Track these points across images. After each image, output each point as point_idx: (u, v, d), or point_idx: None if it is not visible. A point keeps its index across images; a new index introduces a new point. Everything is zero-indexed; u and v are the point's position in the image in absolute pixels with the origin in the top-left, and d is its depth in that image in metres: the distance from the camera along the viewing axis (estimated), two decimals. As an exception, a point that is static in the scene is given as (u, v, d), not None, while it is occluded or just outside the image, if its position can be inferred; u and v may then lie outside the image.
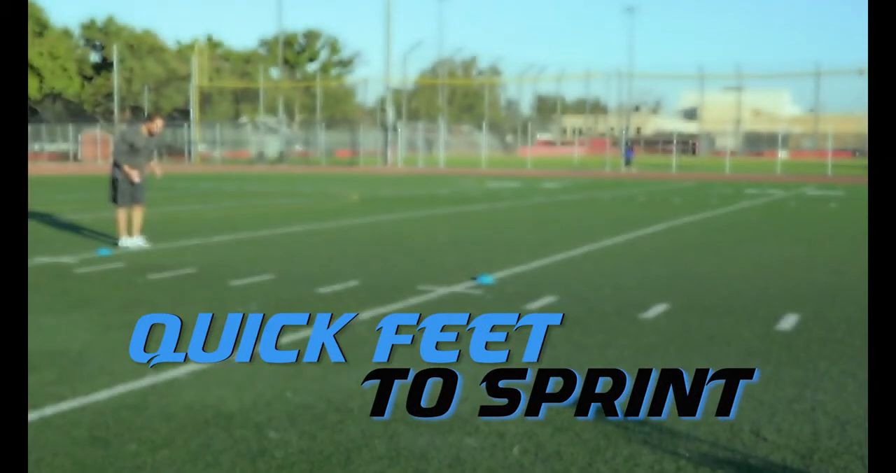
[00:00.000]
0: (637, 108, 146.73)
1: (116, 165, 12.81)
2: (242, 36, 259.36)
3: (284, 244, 13.29)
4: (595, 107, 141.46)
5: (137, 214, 12.89)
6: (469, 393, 5.41)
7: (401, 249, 12.69)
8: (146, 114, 13.49)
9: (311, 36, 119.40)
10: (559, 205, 23.83)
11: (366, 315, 7.89)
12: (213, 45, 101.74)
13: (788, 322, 7.72)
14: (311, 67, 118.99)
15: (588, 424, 4.84)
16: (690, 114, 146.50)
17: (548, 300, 8.66)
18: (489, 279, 9.79)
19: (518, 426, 4.81)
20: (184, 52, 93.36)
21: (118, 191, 12.80)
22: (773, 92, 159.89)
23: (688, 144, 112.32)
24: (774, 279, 10.22)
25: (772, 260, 11.96)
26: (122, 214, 12.77)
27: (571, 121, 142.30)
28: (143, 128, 12.89)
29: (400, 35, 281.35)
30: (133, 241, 12.66)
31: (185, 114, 79.14)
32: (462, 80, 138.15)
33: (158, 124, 12.93)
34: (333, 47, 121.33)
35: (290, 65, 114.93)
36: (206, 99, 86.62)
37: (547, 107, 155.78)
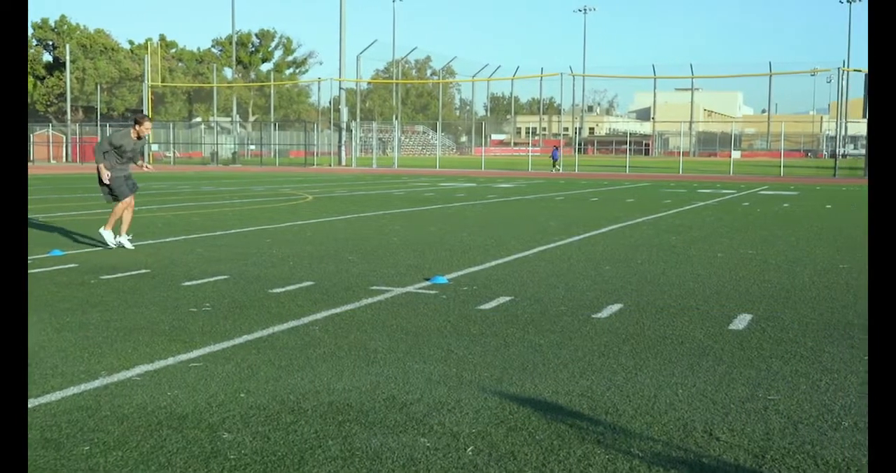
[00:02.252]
0: (591, 109, 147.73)
1: (103, 165, 12.67)
2: (196, 36, 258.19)
3: (238, 245, 13.21)
4: (549, 108, 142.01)
5: (128, 212, 12.80)
6: (423, 393, 5.41)
7: (355, 250, 12.65)
8: (133, 117, 13.18)
9: (265, 36, 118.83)
10: (513, 206, 23.88)
11: (320, 315, 7.86)
12: (166, 44, 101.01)
13: (741, 322, 7.78)
14: (265, 67, 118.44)
15: (542, 424, 4.84)
16: (644, 115, 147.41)
17: (502, 300, 8.68)
18: (443, 279, 9.80)
19: (472, 426, 4.81)
20: (137, 51, 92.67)
21: (115, 187, 12.68)
22: (726, 93, 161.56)
23: (641, 145, 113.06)
24: (728, 279, 10.31)
25: (725, 261, 12.05)
26: (122, 205, 12.68)
27: (525, 122, 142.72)
28: (132, 132, 12.72)
29: (354, 35, 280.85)
30: (122, 239, 12.60)
31: (138, 114, 78.30)
32: (416, 81, 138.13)
33: (146, 126, 12.74)
34: (287, 47, 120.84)
35: (243, 65, 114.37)
36: (159, 99, 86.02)
37: (501, 108, 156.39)
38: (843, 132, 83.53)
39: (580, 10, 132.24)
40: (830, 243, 14.58)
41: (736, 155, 73.03)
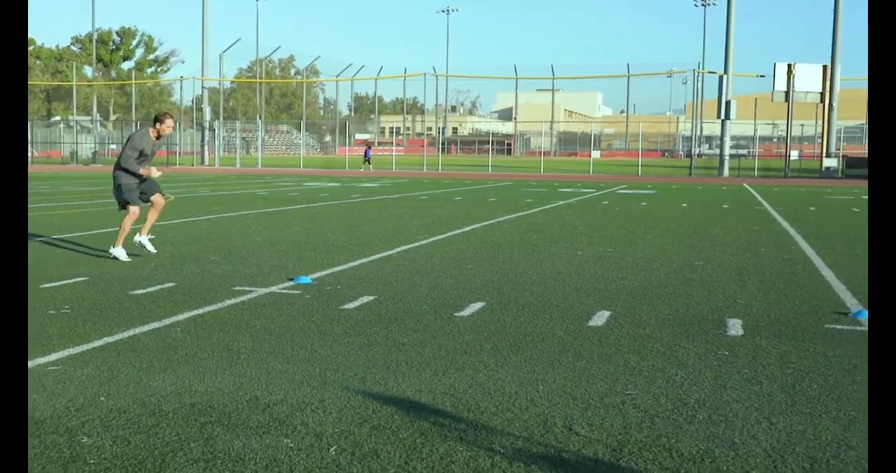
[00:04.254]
0: (454, 109, 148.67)
1: (123, 170, 11.67)
2: (54, 33, 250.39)
3: (98, 246, 12.87)
4: (413, 108, 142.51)
5: (154, 212, 12.00)
6: (286, 394, 5.37)
7: (218, 250, 12.47)
8: (154, 117, 12.19)
9: (126, 34, 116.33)
10: (377, 205, 23.89)
11: (182, 316, 7.73)
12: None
13: (600, 318, 7.94)
14: (127, 66, 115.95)
15: (405, 422, 4.86)
16: (506, 115, 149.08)
17: (365, 299, 8.67)
18: (307, 279, 9.74)
19: (335, 425, 4.79)
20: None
21: (125, 192, 11.74)
22: (586, 93, 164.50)
23: (504, 144, 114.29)
24: (587, 277, 10.50)
25: (585, 259, 12.28)
26: (134, 216, 11.73)
27: (389, 121, 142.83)
28: (152, 132, 11.79)
29: (216, 34, 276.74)
30: (142, 239, 11.90)
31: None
32: (280, 80, 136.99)
33: (169, 124, 11.80)
34: (149, 46, 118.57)
35: (104, 63, 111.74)
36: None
37: (365, 108, 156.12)
38: (698, 132, 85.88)
39: (443, 11, 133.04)
40: (686, 241, 14.98)
41: (596, 154, 74.52)
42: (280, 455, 4.36)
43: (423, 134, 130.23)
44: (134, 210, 11.71)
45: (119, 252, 11.47)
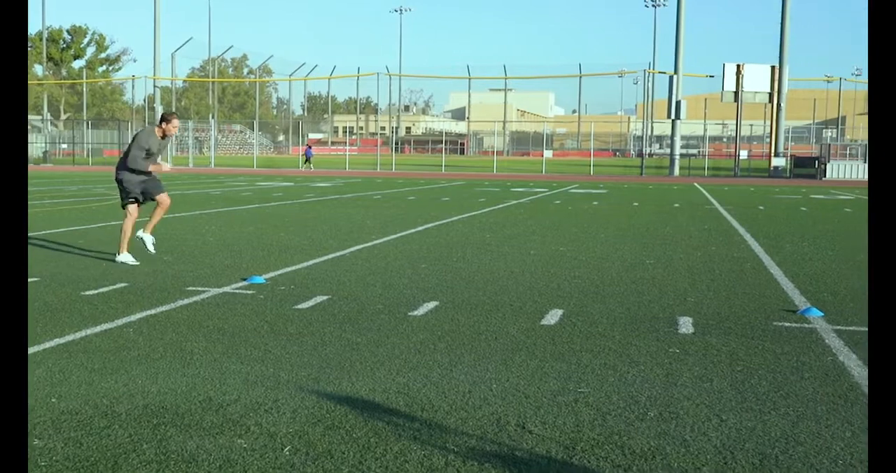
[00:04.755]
0: (407, 108, 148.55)
1: (127, 170, 11.33)
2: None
3: (50, 246, 12.73)
4: (366, 107, 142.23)
5: (160, 210, 11.58)
6: (240, 394, 5.34)
7: (171, 250, 12.36)
8: (161, 116, 11.75)
9: (77, 32, 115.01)
10: (330, 205, 23.82)
11: (135, 317, 7.67)
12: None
13: (553, 317, 7.97)
14: (77, 64, 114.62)
15: (359, 422, 4.85)
16: (459, 115, 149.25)
17: (319, 299, 8.65)
18: (260, 279, 9.70)
19: (289, 425, 4.78)
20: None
21: (127, 186, 11.41)
22: (538, 93, 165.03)
23: (457, 144, 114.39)
24: (540, 275, 10.54)
25: (538, 257, 12.32)
26: (133, 217, 11.39)
27: (343, 121, 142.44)
28: (157, 131, 11.46)
29: (169, 33, 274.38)
30: (147, 236, 11.49)
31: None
32: (232, 79, 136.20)
33: (175, 124, 11.46)
34: (100, 44, 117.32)
35: (54, 62, 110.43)
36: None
37: (318, 107, 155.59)
38: (649, 132, 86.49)
39: (396, 11, 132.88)
40: (637, 240, 15.08)
41: (548, 154, 74.77)
42: (234, 455, 4.34)
43: (376, 133, 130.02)
44: (132, 210, 11.43)
45: (126, 257, 11.14)
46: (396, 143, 79.10)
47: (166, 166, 11.65)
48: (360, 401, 5.26)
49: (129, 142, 11.68)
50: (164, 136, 11.51)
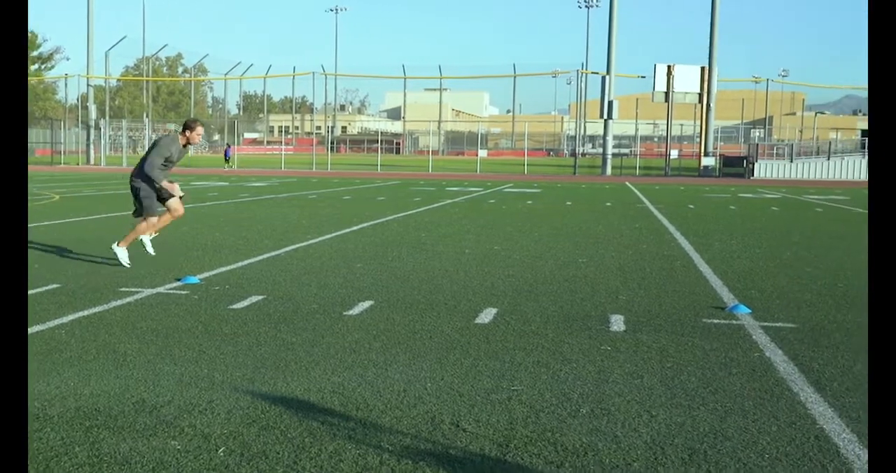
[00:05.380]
0: (343, 108, 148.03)
1: (144, 178, 10.83)
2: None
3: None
4: (302, 107, 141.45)
5: (168, 217, 11.14)
6: (173, 396, 5.29)
7: (104, 251, 12.19)
8: (184, 123, 11.28)
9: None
10: (266, 205, 23.67)
11: (67, 318, 7.56)
12: None
13: (487, 315, 8.00)
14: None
15: (294, 422, 4.83)
16: (395, 114, 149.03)
17: (254, 299, 8.59)
18: (195, 279, 9.61)
19: (224, 426, 4.74)
20: None
21: (145, 203, 10.92)
22: (473, 93, 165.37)
23: (392, 143, 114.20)
24: (475, 274, 10.57)
25: (472, 256, 12.36)
26: (152, 225, 11.04)
27: (278, 121, 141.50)
28: (181, 138, 10.86)
29: (102, 31, 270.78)
30: (145, 237, 11.09)
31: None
32: (167, 78, 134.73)
33: (199, 133, 10.88)
34: (32, 42, 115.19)
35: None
36: None
37: (254, 106, 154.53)
38: (582, 132, 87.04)
39: (332, 10, 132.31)
40: (570, 238, 15.19)
41: (483, 153, 74.99)
42: (167, 457, 4.30)
43: (312, 133, 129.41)
44: (152, 220, 11.02)
45: (121, 252, 10.82)
46: (332, 143, 78.75)
47: (178, 191, 10.97)
48: (294, 401, 5.23)
49: (149, 147, 11.08)
50: (186, 145, 10.92)
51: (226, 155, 67.55)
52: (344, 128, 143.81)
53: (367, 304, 8.44)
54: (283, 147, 78.07)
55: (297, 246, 13.27)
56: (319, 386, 5.57)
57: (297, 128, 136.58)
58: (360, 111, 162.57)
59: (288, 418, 4.90)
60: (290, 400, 5.25)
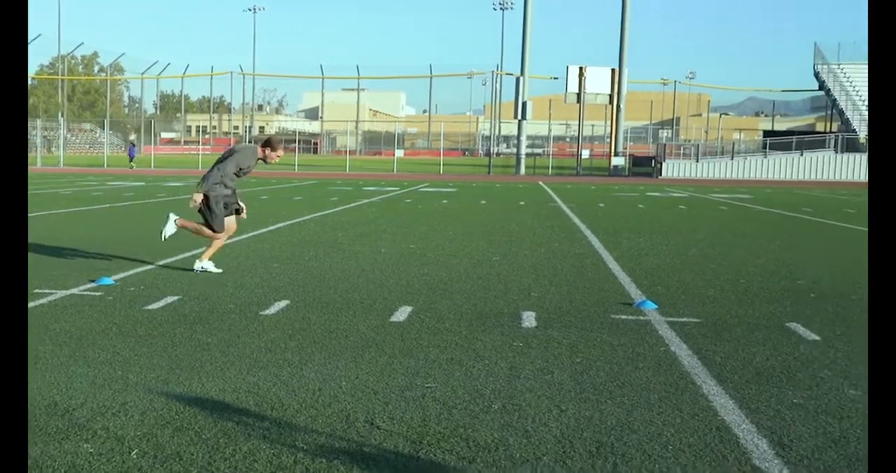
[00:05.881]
0: (261, 108, 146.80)
1: (213, 182, 10.20)
2: None
3: None
4: (219, 106, 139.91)
5: (225, 236, 10.69)
6: (87, 398, 5.19)
7: (14, 252, 11.92)
8: (267, 138, 10.55)
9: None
10: (182, 204, 23.35)
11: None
12: None
13: (402, 313, 8.00)
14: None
15: (208, 422, 4.77)
16: (313, 114, 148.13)
17: (169, 299, 8.47)
18: (109, 280, 9.44)
19: (137, 428, 4.66)
20: None
21: (215, 217, 10.37)
22: (390, 93, 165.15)
23: (310, 143, 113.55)
24: (391, 273, 10.56)
25: (388, 255, 12.34)
26: (222, 237, 10.58)
27: (196, 120, 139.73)
28: (259, 152, 10.27)
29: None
30: (206, 264, 10.48)
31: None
32: (83, 77, 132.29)
33: (280, 154, 10.44)
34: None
35: None
36: None
37: (171, 106, 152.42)
38: (496, 132, 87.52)
39: (250, 10, 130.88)
40: (484, 237, 15.26)
41: (399, 153, 74.94)
42: (80, 460, 4.21)
43: (229, 133, 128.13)
44: (215, 233, 10.50)
45: (207, 265, 10.43)
46: (250, 143, 78.14)
47: (199, 198, 10.32)
48: (209, 402, 5.17)
49: (225, 155, 10.47)
50: (260, 160, 10.40)
51: (130, 155, 67.85)
52: (262, 128, 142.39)
53: (283, 304, 8.37)
54: (201, 147, 77.06)
55: (214, 246, 13.09)
56: (234, 387, 5.51)
57: (214, 128, 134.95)
58: (277, 111, 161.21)
59: (202, 419, 4.84)
60: (204, 401, 5.18)
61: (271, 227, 16.52)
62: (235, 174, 10.32)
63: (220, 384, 5.57)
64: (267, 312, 7.97)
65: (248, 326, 7.36)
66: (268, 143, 10.35)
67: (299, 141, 79.00)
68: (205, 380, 5.65)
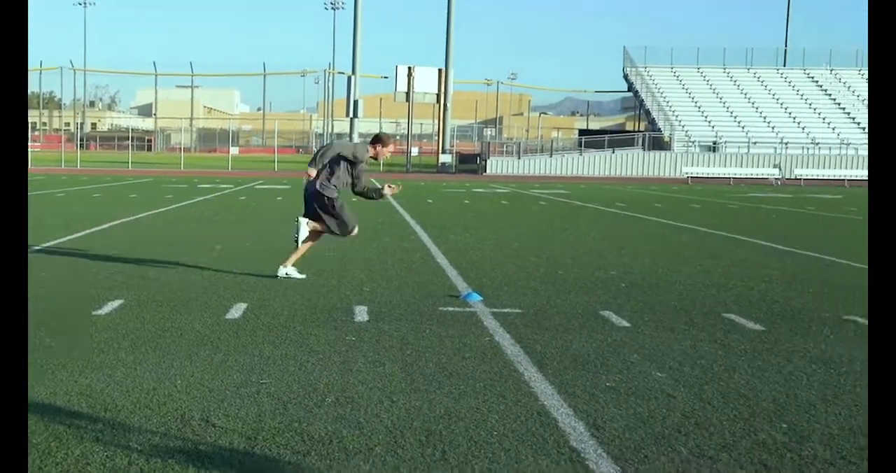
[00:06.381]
0: (93, 104, 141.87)
1: (332, 186, 9.56)
2: None
3: None
4: (49, 103, 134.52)
5: (312, 243, 10.08)
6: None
7: None
8: (376, 135, 9.84)
9: None
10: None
11: None
12: None
13: (237, 311, 7.87)
14: None
15: (39, 427, 4.56)
16: (146, 111, 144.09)
17: (-1, 302, 8.10)
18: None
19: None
20: None
21: (346, 214, 9.68)
22: (224, 90, 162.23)
23: (144, 141, 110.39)
24: (225, 270, 10.38)
25: (224, 253, 12.16)
26: (356, 233, 9.90)
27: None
28: (371, 149, 9.56)
29: None
30: (290, 270, 9.84)
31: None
32: None
33: (391, 150, 9.80)
34: None
35: None
36: None
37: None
38: (329, 130, 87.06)
39: (80, 4, 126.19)
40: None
41: (234, 151, 73.75)
42: None
43: (60, 129, 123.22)
44: (354, 233, 9.90)
45: (290, 271, 9.80)
46: (82, 140, 75.24)
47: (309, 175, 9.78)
48: (40, 406, 4.95)
49: (337, 155, 9.63)
50: (371, 158, 9.70)
51: None
52: (94, 124, 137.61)
53: (116, 303, 8.12)
54: (31, 144, 73.96)
55: (46, 245, 12.60)
56: (66, 389, 5.30)
57: (44, 124, 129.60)
58: (110, 107, 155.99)
59: (33, 423, 4.63)
60: (35, 405, 4.95)
61: (105, 226, 16.01)
62: (348, 171, 9.60)
63: (51, 387, 5.35)
64: (100, 312, 7.71)
65: (79, 326, 7.10)
66: (379, 140, 9.77)
67: (133, 138, 76.64)
68: (35, 384, 5.38)
